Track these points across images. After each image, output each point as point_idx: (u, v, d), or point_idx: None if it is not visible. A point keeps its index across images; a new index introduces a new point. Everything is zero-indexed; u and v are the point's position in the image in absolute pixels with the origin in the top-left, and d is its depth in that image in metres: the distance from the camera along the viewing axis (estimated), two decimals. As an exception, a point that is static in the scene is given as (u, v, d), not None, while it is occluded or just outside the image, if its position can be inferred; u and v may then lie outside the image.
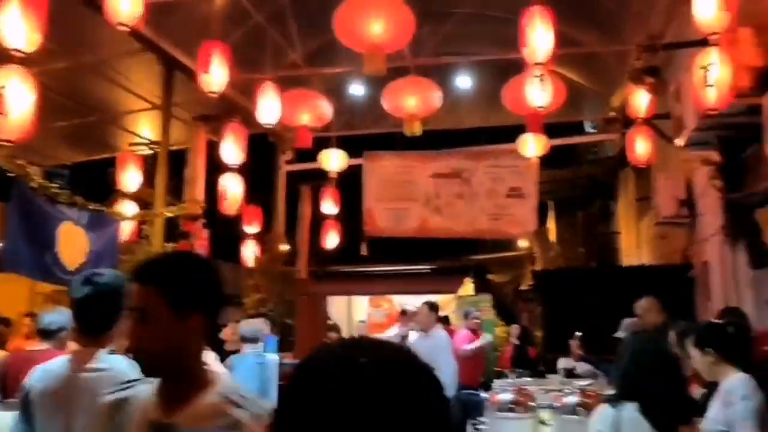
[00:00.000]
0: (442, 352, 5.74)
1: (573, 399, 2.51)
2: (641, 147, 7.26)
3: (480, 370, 8.01)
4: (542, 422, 2.54)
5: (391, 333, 7.33)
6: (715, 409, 2.83)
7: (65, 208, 6.17)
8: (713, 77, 4.57)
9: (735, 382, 2.79)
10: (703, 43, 4.98)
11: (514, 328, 9.86)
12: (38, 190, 5.76)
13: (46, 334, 3.50)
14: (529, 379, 6.01)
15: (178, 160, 9.78)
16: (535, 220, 9.58)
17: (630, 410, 2.01)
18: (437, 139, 10.36)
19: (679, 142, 6.16)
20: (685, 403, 1.99)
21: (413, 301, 7.35)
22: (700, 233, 7.54)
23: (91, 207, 6.69)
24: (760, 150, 5.19)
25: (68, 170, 12.99)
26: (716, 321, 3.17)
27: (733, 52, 4.69)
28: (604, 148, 14.18)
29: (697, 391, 3.50)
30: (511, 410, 2.49)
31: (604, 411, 2.12)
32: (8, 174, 5.51)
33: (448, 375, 5.62)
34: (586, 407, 2.47)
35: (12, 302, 7.61)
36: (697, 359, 2.98)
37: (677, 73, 5.95)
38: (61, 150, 9.93)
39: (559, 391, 2.95)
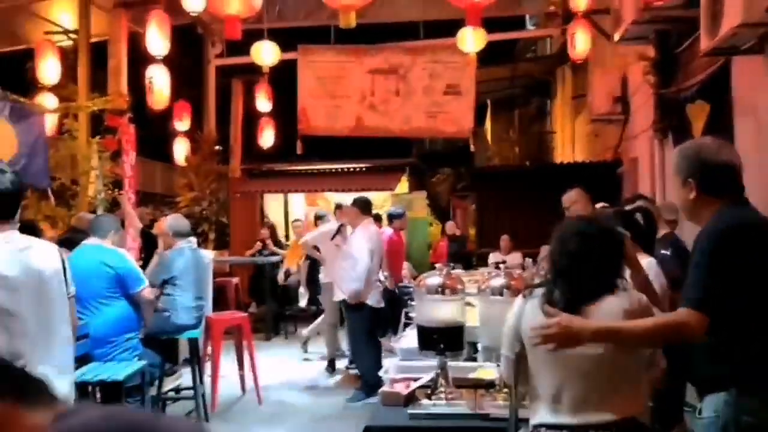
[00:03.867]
0: (357, 246, 5.80)
1: (498, 282, 2.55)
2: (580, 42, 7.20)
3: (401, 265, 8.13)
4: (468, 304, 2.58)
5: (326, 228, 7.36)
6: None
7: (-15, 100, 5.80)
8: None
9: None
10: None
11: (450, 225, 10.05)
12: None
13: None
14: (461, 270, 6.18)
15: (100, 54, 9.20)
16: (471, 119, 9.52)
17: (533, 302, 2.06)
18: (374, 33, 10.00)
19: (617, 37, 6.12)
20: (599, 281, 2.04)
21: (350, 199, 7.35)
22: (631, 130, 7.69)
23: (11, 98, 6.34)
24: (694, 44, 5.21)
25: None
26: (625, 209, 3.25)
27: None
28: (544, 45, 14.11)
29: None
30: (438, 293, 2.50)
31: (516, 301, 2.17)
32: None
33: (360, 267, 5.68)
34: (510, 289, 2.52)
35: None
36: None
37: (618, -36, 5.83)
38: (-31, 40, 9.13)
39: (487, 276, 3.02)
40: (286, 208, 12.19)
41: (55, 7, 8.94)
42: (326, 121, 9.60)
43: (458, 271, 5.27)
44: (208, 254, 5.94)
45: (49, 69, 8.11)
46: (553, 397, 2.03)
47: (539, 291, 2.10)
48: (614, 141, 8.36)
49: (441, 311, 2.54)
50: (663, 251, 3.20)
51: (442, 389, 2.57)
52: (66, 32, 9.17)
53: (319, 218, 7.73)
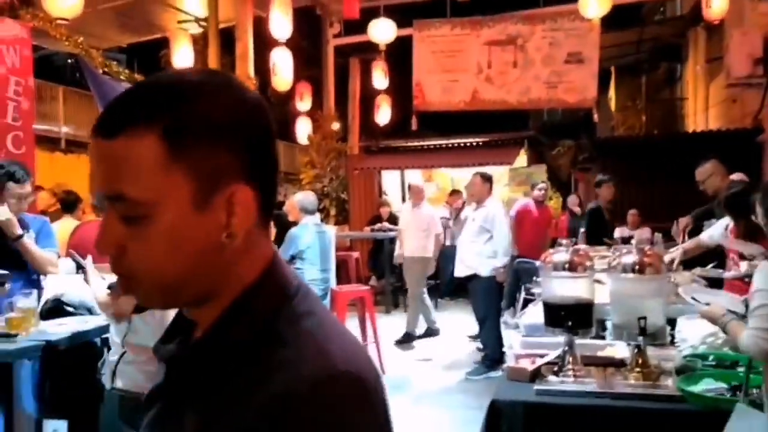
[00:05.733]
0: (494, 222, 5.77)
1: (630, 259, 2.45)
2: (716, 1, 6.70)
3: (539, 240, 7.96)
4: (597, 281, 2.51)
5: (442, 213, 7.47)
6: None
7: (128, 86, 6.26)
8: None
9: None
10: None
11: (571, 199, 9.74)
12: (99, 68, 5.85)
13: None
14: (585, 246, 5.99)
15: (228, 39, 9.68)
16: (595, 87, 9.12)
17: None
18: (490, 3, 9.77)
19: (759, -8, 5.63)
20: None
21: (466, 175, 7.32)
22: (775, 94, 7.08)
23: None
24: None
25: (124, 54, 13.07)
26: None
27: None
28: (674, 6, 13.20)
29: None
30: (565, 270, 2.45)
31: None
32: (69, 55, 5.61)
33: (500, 243, 5.70)
34: (643, 266, 2.41)
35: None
36: (762, 217, 2.84)
37: None
38: (111, 32, 9.90)
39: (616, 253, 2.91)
40: (403, 184, 12.34)
41: (187, -4, 9.50)
42: (442, 96, 9.56)
43: (583, 247, 5.12)
44: (331, 229, 6.17)
45: (182, 56, 8.65)
46: None
47: None
48: (754, 106, 7.73)
49: (569, 288, 2.48)
50: None
51: (570, 366, 2.54)
52: (197, 20, 9.73)
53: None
